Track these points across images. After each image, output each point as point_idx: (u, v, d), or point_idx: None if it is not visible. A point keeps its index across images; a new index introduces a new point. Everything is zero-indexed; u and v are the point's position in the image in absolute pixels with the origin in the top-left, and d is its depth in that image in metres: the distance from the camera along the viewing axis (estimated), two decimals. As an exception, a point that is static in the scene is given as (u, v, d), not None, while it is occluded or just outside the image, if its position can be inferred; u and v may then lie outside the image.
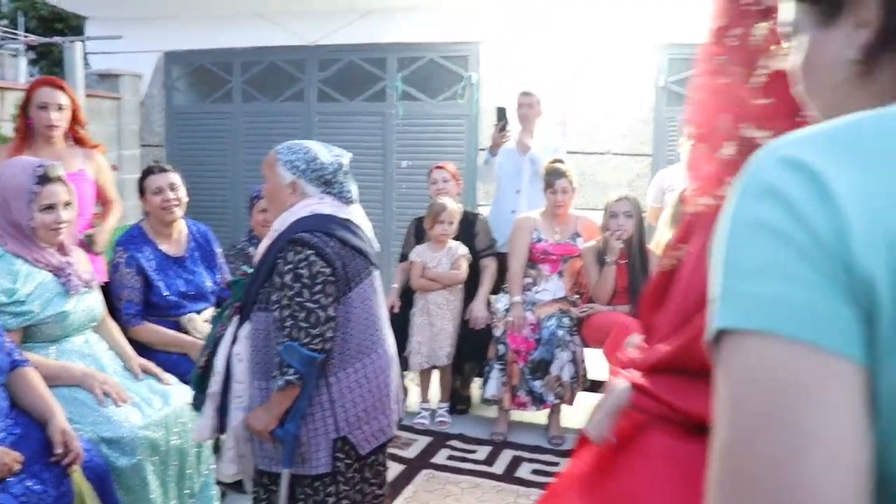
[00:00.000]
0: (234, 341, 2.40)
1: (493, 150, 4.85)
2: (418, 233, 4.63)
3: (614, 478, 1.42)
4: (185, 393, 2.92)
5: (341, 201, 2.53)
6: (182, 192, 3.47)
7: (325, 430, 2.36)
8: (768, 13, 1.35)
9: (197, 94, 7.39)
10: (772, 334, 0.55)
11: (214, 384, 2.40)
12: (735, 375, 0.57)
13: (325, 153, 2.54)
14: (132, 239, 3.40)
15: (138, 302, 3.29)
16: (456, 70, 6.49)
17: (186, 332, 3.34)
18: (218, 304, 3.61)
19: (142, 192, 3.46)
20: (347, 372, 2.39)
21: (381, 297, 2.58)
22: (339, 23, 6.67)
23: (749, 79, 1.36)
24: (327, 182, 2.50)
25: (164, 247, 3.44)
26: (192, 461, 2.88)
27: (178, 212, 3.45)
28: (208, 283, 3.51)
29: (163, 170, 3.49)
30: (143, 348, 3.19)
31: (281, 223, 2.45)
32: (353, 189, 2.59)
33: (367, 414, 2.42)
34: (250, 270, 2.65)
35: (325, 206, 2.46)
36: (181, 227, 3.54)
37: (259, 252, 2.51)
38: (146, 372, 3.03)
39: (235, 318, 2.44)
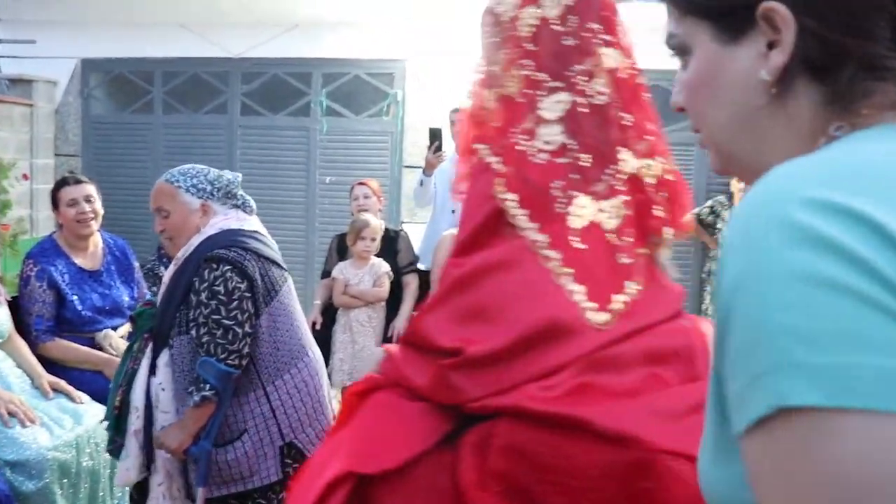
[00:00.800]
0: (152, 373, 2.36)
1: (428, 170, 4.87)
2: (341, 249, 4.61)
3: (344, 426, 1.51)
4: (98, 412, 2.84)
5: (246, 212, 2.57)
6: (98, 205, 3.39)
7: (271, 439, 2.36)
8: (504, 43, 1.49)
9: (115, 103, 7.21)
10: (885, 412, 0.47)
11: (137, 421, 2.35)
12: (829, 458, 0.48)
13: (209, 168, 2.57)
14: (44, 251, 3.30)
15: (49, 317, 3.19)
16: (381, 87, 6.51)
17: (101, 349, 3.25)
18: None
19: (55, 203, 3.37)
20: (284, 379, 2.41)
21: (297, 302, 2.61)
22: (265, 36, 6.62)
23: (487, 101, 1.50)
24: (233, 195, 2.54)
25: (79, 260, 3.35)
26: (104, 483, 2.80)
27: (94, 224, 3.36)
28: (125, 298, 3.43)
29: (78, 181, 3.40)
30: (54, 366, 3.09)
31: (188, 248, 2.42)
32: (251, 200, 2.63)
33: (310, 417, 2.45)
34: (151, 297, 2.62)
35: (231, 220, 2.47)
36: (97, 241, 3.45)
37: (165, 280, 2.47)
38: (57, 390, 2.94)
39: (148, 350, 2.40)
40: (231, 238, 2.40)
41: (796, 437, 0.50)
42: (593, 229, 1.42)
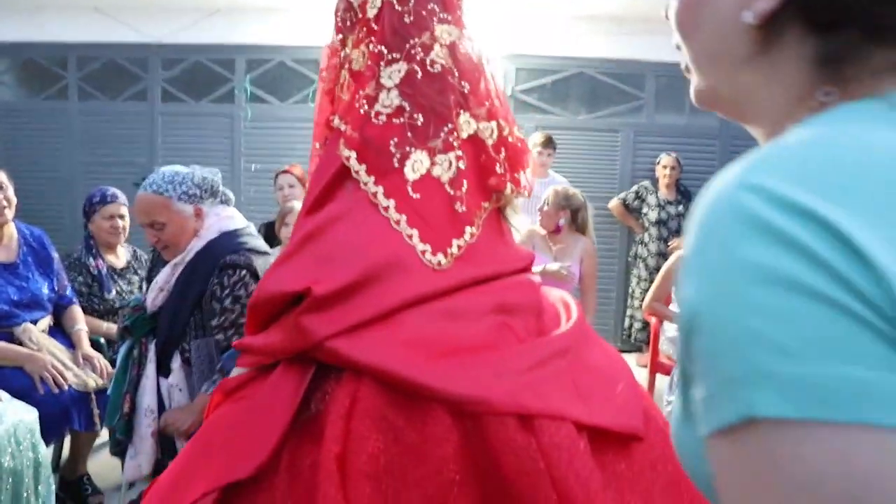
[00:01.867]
0: (162, 375, 2.45)
1: None
2: (268, 237, 4.52)
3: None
4: (19, 409, 2.72)
5: (228, 205, 2.69)
6: (10, 193, 3.24)
7: None
8: (355, 26, 1.70)
9: (27, 89, 6.90)
10: (857, 424, 0.45)
11: (153, 423, 2.43)
12: (798, 470, 0.46)
13: (190, 169, 2.62)
14: (-45, 244, 3.14)
15: (-38, 313, 3.04)
16: (307, 74, 6.42)
17: (21, 344, 3.12)
18: (55, 312, 3.40)
19: (-36, 193, 3.21)
20: None
21: None
22: (185, 21, 6.44)
23: (339, 80, 1.70)
24: (216, 192, 2.62)
25: (-7, 253, 3.20)
26: (28, 483, 2.68)
27: (8, 214, 3.21)
28: (45, 291, 3.30)
29: (-13, 169, 3.24)
30: (-31, 363, 2.95)
31: (187, 252, 2.51)
32: (228, 191, 2.74)
33: None
34: (135, 301, 2.69)
35: (223, 219, 2.57)
36: (11, 232, 3.30)
37: (166, 284, 2.51)
38: (-28, 388, 2.80)
39: (151, 354, 2.48)
40: (234, 241, 2.51)
41: (764, 447, 0.47)
42: (429, 181, 1.58)
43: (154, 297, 2.54)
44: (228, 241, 2.50)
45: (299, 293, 1.45)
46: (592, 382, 1.51)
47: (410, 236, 1.52)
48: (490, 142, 1.67)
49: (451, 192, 1.59)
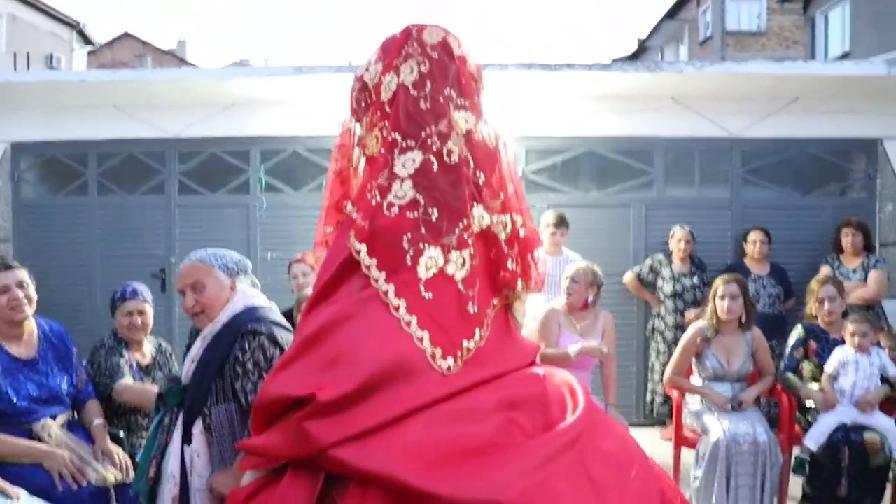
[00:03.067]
0: (186, 441, 2.52)
1: None
2: (287, 325, 4.55)
3: None
4: (36, 507, 2.71)
5: (256, 288, 2.90)
6: (31, 290, 3.29)
7: None
8: (369, 108, 1.65)
9: (48, 186, 7.07)
10: None
11: (174, 488, 2.51)
12: None
13: (231, 251, 2.84)
14: (-24, 341, 3.17)
15: (-17, 410, 3.05)
16: (320, 162, 6.54)
17: (40, 440, 3.11)
18: (74, 406, 3.40)
19: (-15, 291, 3.26)
20: None
21: None
22: (200, 115, 6.62)
23: (352, 162, 1.68)
24: (248, 274, 2.82)
25: (13, 349, 3.23)
26: (44, 581, 2.65)
27: (28, 311, 3.26)
28: (63, 386, 3.31)
29: (8, 267, 3.29)
30: (-12, 461, 2.94)
31: (216, 323, 2.63)
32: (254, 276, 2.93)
33: None
34: (175, 373, 2.75)
35: (250, 297, 2.73)
36: (31, 327, 3.34)
37: (195, 356, 2.62)
38: (-8, 487, 2.79)
39: (179, 422, 2.56)
40: (257, 313, 2.62)
41: None
42: (442, 279, 1.52)
43: (187, 368, 2.65)
44: (252, 314, 2.62)
45: (303, 398, 1.41)
46: (606, 471, 1.48)
47: (421, 339, 1.47)
48: (503, 236, 1.62)
49: (464, 292, 1.54)
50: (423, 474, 1.35)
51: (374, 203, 1.55)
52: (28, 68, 18.21)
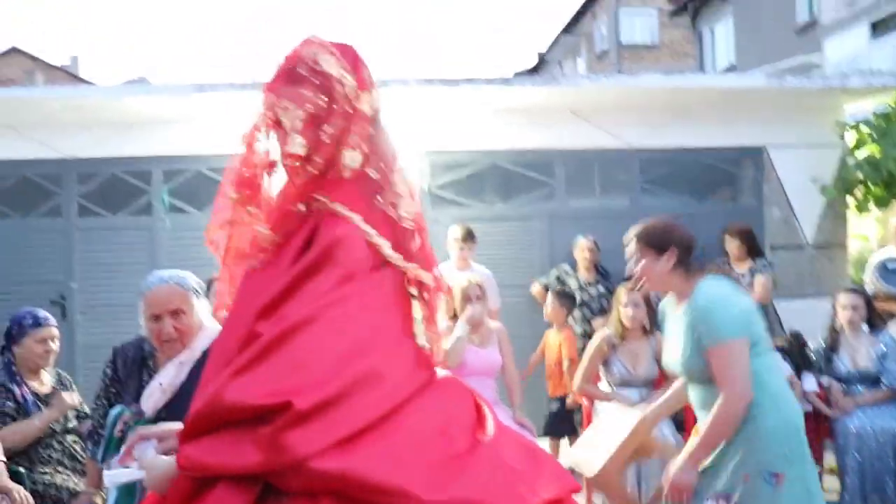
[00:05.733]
0: None
1: None
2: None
3: None
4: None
5: None
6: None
7: None
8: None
9: (-66, 212, 6.74)
10: None
11: None
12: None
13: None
14: None
15: None
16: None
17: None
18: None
19: None
20: None
21: None
22: (98, 135, 6.43)
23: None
24: (206, 295, 2.74)
25: None
26: None
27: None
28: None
29: None
30: None
31: (193, 350, 2.56)
32: None
33: None
34: (120, 412, 2.62)
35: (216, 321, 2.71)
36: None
37: (171, 386, 2.52)
38: None
39: None
40: None
41: None
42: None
43: (156, 399, 2.52)
44: None
45: (272, 407, 1.34)
46: (527, 461, 1.58)
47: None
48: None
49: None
50: (413, 480, 1.36)
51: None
52: None
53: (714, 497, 2.65)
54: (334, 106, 1.56)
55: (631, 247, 2.98)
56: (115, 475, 1.74)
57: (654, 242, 2.91)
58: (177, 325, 2.58)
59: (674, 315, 2.95)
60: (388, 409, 1.43)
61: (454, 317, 4.55)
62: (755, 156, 6.93)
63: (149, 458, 1.59)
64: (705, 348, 2.68)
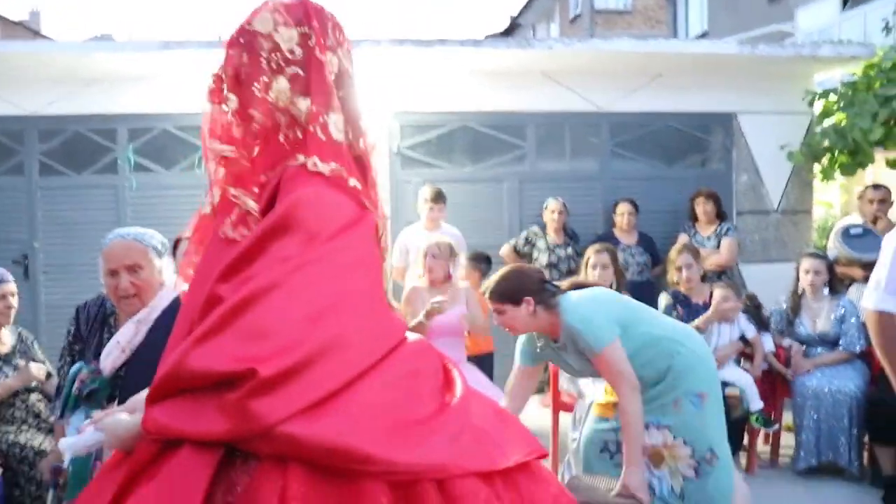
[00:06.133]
0: None
1: None
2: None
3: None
4: None
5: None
6: None
7: None
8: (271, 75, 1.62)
9: None
10: None
11: None
12: None
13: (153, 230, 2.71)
14: None
15: None
16: (191, 140, 6.36)
17: None
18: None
19: None
20: None
21: None
22: (62, 92, 6.30)
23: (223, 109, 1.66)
24: (170, 253, 2.72)
25: None
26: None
27: None
28: None
29: None
30: None
31: (155, 306, 2.54)
32: None
33: None
34: (80, 369, 2.56)
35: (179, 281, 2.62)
36: None
37: (130, 342, 2.49)
38: None
39: None
40: None
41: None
42: None
43: (114, 357, 2.49)
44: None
45: (236, 374, 1.33)
46: (490, 422, 1.59)
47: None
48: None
49: None
50: (378, 444, 1.36)
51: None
52: None
53: (656, 426, 3.09)
54: (262, 62, 1.59)
55: (490, 306, 3.23)
56: (75, 444, 1.68)
57: (509, 296, 3.14)
58: (134, 281, 2.55)
59: (559, 352, 3.22)
60: (354, 375, 1.42)
61: (421, 276, 4.56)
62: (725, 122, 6.97)
63: (110, 419, 1.58)
64: (590, 359, 3.05)
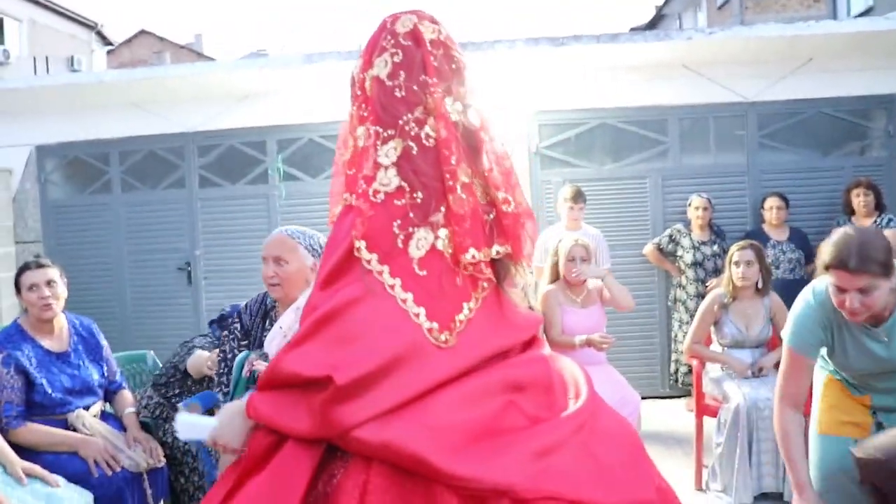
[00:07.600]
0: None
1: None
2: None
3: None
4: (75, 494, 2.81)
5: None
6: (60, 288, 3.39)
7: None
8: (355, 101, 1.72)
9: (74, 186, 7.21)
10: None
11: None
12: None
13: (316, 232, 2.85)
14: (9, 337, 3.29)
15: (19, 402, 3.16)
16: (335, 149, 6.57)
17: (75, 430, 3.23)
18: (106, 397, 3.52)
19: (17, 288, 3.37)
20: None
21: None
22: (216, 108, 6.72)
23: (346, 153, 1.74)
24: None
25: (46, 343, 3.34)
26: (85, 564, 2.76)
27: (56, 308, 3.36)
28: (95, 377, 3.43)
29: (40, 265, 3.40)
30: (27, 451, 3.06)
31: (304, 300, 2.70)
32: None
33: None
34: (257, 352, 2.73)
35: None
36: (62, 323, 3.44)
37: (286, 325, 2.61)
38: (31, 476, 2.91)
39: None
40: None
41: None
42: (433, 255, 1.57)
43: (278, 342, 2.61)
44: None
45: (316, 379, 1.46)
46: (610, 451, 1.55)
47: (417, 314, 1.51)
48: (491, 215, 1.66)
49: (453, 267, 1.58)
50: (442, 454, 1.41)
51: (360, 191, 1.60)
52: (48, 71, 18.44)
53: None
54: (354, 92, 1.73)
55: (852, 281, 2.53)
56: (189, 426, 1.79)
57: (890, 266, 2.50)
58: (277, 271, 2.74)
59: (864, 338, 2.73)
60: (432, 384, 1.48)
61: (557, 279, 4.52)
62: (887, 105, 6.49)
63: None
64: None
